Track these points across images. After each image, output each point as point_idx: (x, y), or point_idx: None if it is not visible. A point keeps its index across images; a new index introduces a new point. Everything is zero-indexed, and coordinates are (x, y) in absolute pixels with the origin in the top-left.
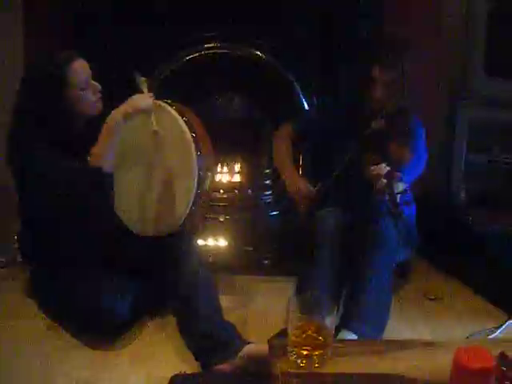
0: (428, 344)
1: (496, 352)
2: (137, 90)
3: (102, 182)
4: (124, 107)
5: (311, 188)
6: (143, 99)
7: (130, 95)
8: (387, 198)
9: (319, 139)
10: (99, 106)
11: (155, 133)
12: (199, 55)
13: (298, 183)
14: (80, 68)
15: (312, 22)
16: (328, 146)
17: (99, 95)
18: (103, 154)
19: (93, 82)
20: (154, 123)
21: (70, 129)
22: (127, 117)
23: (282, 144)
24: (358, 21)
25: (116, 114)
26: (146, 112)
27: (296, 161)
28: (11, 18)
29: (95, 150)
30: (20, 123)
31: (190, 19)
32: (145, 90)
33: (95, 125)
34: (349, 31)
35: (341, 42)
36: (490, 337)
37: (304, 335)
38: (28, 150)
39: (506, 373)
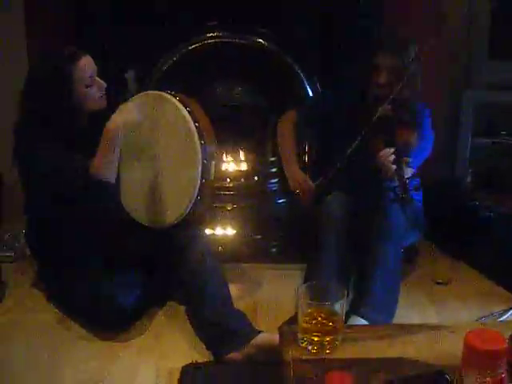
0: (437, 327)
1: (506, 334)
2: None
3: (105, 192)
4: (121, 119)
5: (311, 183)
6: (133, 109)
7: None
8: (396, 183)
9: (324, 126)
10: (103, 102)
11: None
12: (202, 44)
13: (298, 178)
14: (86, 65)
15: (315, 9)
16: (333, 133)
17: (104, 92)
18: (104, 167)
19: (98, 78)
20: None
21: (74, 125)
22: (126, 127)
23: (285, 132)
24: (360, 9)
25: (116, 126)
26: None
27: (302, 149)
28: (12, 17)
29: (96, 161)
30: (25, 121)
31: (191, 9)
32: (133, 89)
33: (98, 121)
34: (352, 19)
35: (345, 28)
36: (500, 319)
37: (314, 321)
38: (32, 150)
39: None
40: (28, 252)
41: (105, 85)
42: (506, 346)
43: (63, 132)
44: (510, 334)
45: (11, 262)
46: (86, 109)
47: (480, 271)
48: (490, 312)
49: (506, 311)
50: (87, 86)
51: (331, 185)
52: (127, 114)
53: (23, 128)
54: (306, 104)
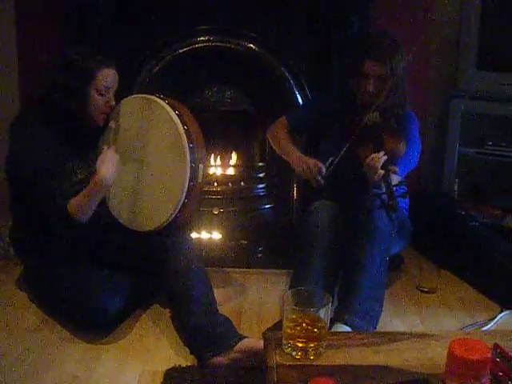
0: (422, 336)
1: (490, 344)
2: None
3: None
4: (112, 175)
5: (321, 164)
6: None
7: None
8: (383, 190)
9: (313, 133)
10: (101, 119)
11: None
12: (191, 48)
13: (306, 160)
14: (110, 75)
15: (305, 16)
16: (322, 139)
17: (107, 110)
18: (81, 211)
19: (111, 94)
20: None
21: (72, 124)
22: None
23: (279, 132)
24: (349, 16)
25: (106, 182)
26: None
27: None
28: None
29: (76, 200)
30: (25, 117)
31: (181, 12)
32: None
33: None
34: (341, 26)
35: (334, 35)
36: (484, 328)
37: (299, 328)
38: (24, 150)
39: (500, 364)
40: (12, 252)
41: (113, 103)
42: (489, 355)
43: (61, 134)
44: (493, 343)
45: None
46: (86, 113)
47: (465, 280)
48: (474, 321)
49: (490, 320)
50: (100, 94)
51: (319, 190)
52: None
53: (20, 124)
54: (296, 111)
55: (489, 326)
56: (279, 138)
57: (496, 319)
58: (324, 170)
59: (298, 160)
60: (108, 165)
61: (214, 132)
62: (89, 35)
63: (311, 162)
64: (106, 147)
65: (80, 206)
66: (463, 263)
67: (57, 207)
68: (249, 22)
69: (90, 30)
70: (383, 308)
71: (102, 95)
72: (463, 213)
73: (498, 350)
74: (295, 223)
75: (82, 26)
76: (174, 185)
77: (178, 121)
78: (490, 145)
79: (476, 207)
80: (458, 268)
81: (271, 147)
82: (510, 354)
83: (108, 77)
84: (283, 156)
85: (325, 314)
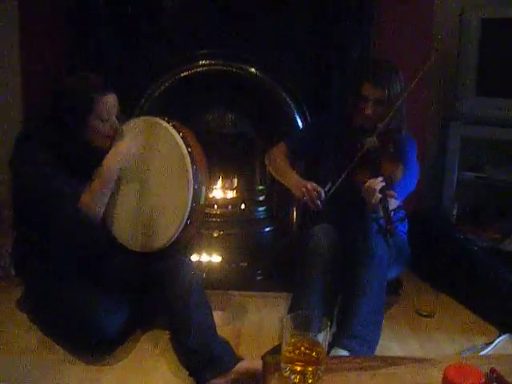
0: (419, 361)
1: (487, 368)
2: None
3: (88, 226)
4: (118, 159)
5: (318, 187)
6: (132, 144)
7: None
8: (381, 214)
9: (312, 157)
10: (108, 142)
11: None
12: (193, 72)
13: (306, 184)
14: (110, 101)
15: (305, 40)
16: (321, 162)
17: (112, 133)
18: (93, 204)
19: (115, 119)
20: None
21: (74, 150)
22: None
23: (278, 156)
24: (349, 41)
25: (112, 166)
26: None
27: None
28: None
29: (87, 196)
30: (28, 135)
31: (182, 37)
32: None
33: (96, 152)
34: (341, 51)
35: (333, 61)
36: (482, 353)
37: (297, 351)
38: (28, 166)
39: None
40: (13, 272)
41: (118, 127)
42: (482, 381)
43: (62, 154)
44: (490, 368)
45: None
46: (91, 141)
47: (463, 304)
48: (473, 345)
49: (488, 344)
50: (102, 121)
51: (318, 214)
52: (124, 155)
53: (24, 142)
54: (296, 135)
55: (487, 350)
56: (277, 162)
57: (494, 343)
58: (323, 194)
59: (297, 183)
60: (118, 154)
61: (215, 155)
62: (90, 58)
63: (310, 185)
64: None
65: (90, 198)
66: (462, 287)
67: (68, 207)
68: (250, 46)
69: (91, 53)
70: (382, 332)
71: (104, 121)
72: (462, 236)
73: (495, 375)
74: (295, 247)
75: (83, 49)
76: (176, 206)
77: (182, 143)
78: (488, 169)
79: (475, 231)
80: (457, 292)
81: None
82: (506, 379)
83: (108, 102)
84: (281, 180)
85: (323, 338)
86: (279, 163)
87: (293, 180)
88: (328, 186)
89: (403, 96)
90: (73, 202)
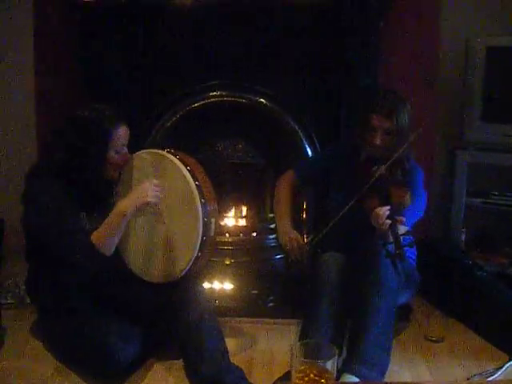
0: None
1: None
2: None
3: (97, 260)
4: (136, 201)
5: (302, 241)
6: (151, 191)
7: None
8: (390, 239)
9: (321, 185)
10: (116, 173)
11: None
12: (204, 103)
13: (289, 234)
14: (124, 133)
15: (315, 72)
16: (329, 190)
17: (122, 163)
18: (105, 241)
19: (126, 149)
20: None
21: (88, 183)
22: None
23: (282, 190)
24: (357, 72)
25: (129, 207)
26: (154, 204)
27: (300, 206)
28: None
29: (99, 232)
30: (41, 168)
31: (193, 68)
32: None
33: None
34: (349, 82)
35: (343, 91)
36: (490, 378)
37: (307, 378)
38: (38, 201)
39: None
40: (27, 300)
41: (128, 156)
42: None
43: (75, 187)
44: None
45: (10, 309)
46: (104, 172)
47: (473, 329)
48: (482, 370)
49: (497, 369)
50: (117, 152)
51: (326, 243)
52: (142, 199)
53: (36, 175)
54: (305, 164)
55: (496, 375)
56: (279, 197)
57: (503, 368)
58: (306, 246)
59: (284, 230)
60: (136, 198)
61: (226, 184)
62: (103, 91)
63: (293, 236)
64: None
65: (102, 236)
66: (471, 312)
67: (80, 240)
68: (260, 77)
69: (103, 86)
70: (391, 357)
71: (118, 153)
72: (470, 262)
73: None
74: (305, 274)
75: (95, 82)
76: (187, 239)
77: (190, 177)
78: (495, 195)
79: (483, 256)
80: (466, 317)
81: None
82: None
83: (122, 134)
84: (275, 219)
85: (332, 365)
86: (278, 198)
87: (281, 226)
88: (311, 237)
89: (407, 125)
90: (84, 239)
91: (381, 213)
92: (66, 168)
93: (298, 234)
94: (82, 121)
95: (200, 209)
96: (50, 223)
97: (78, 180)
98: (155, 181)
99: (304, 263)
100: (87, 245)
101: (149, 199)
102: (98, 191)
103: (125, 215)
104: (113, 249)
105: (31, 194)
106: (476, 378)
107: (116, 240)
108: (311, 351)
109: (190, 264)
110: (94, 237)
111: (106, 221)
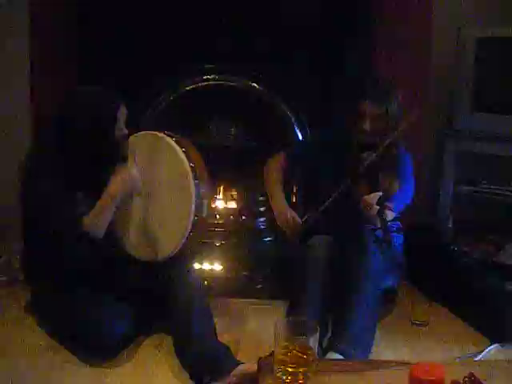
0: (405, 364)
1: (467, 372)
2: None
3: (90, 242)
4: (121, 186)
5: (298, 219)
6: (135, 171)
7: None
8: (378, 225)
9: (311, 168)
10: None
11: None
12: (199, 86)
13: (286, 213)
14: (124, 112)
15: (306, 56)
16: (319, 174)
17: (122, 139)
18: (96, 224)
19: (125, 128)
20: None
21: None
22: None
23: (273, 172)
24: (348, 58)
25: (116, 193)
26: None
27: (290, 190)
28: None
29: (91, 216)
30: (39, 152)
31: (187, 51)
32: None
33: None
34: (340, 68)
35: (334, 76)
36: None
37: (289, 354)
38: (36, 184)
39: None
40: (21, 277)
41: (126, 132)
42: (443, 376)
43: (73, 166)
44: (468, 372)
45: (3, 287)
46: (104, 152)
47: (456, 314)
48: (464, 353)
49: (479, 353)
50: (119, 130)
51: (316, 226)
52: (128, 183)
53: (35, 158)
54: (295, 147)
55: (477, 358)
56: (269, 177)
57: (484, 352)
58: (303, 225)
59: (280, 209)
60: (124, 181)
61: (217, 166)
62: (97, 72)
63: (292, 214)
64: (123, 166)
65: (93, 218)
66: (455, 297)
67: (70, 221)
68: (252, 61)
69: (98, 67)
70: (375, 339)
71: (119, 130)
72: (456, 248)
73: (472, 378)
74: (293, 256)
75: (90, 63)
76: (179, 219)
77: (185, 158)
78: (484, 183)
79: (469, 243)
80: (450, 302)
81: None
82: (481, 381)
83: (123, 114)
84: (269, 198)
85: (313, 341)
86: (270, 179)
87: (277, 205)
88: (305, 217)
89: (397, 110)
90: (74, 226)
91: (369, 199)
92: (65, 148)
93: (294, 213)
94: (85, 104)
95: (194, 189)
96: (45, 204)
97: (77, 160)
98: (133, 169)
99: (297, 243)
100: (75, 233)
101: (135, 183)
102: (97, 171)
103: (113, 197)
104: (102, 232)
105: (29, 173)
106: (458, 360)
107: (106, 222)
108: (294, 328)
109: (182, 243)
110: (85, 222)
111: (98, 203)
